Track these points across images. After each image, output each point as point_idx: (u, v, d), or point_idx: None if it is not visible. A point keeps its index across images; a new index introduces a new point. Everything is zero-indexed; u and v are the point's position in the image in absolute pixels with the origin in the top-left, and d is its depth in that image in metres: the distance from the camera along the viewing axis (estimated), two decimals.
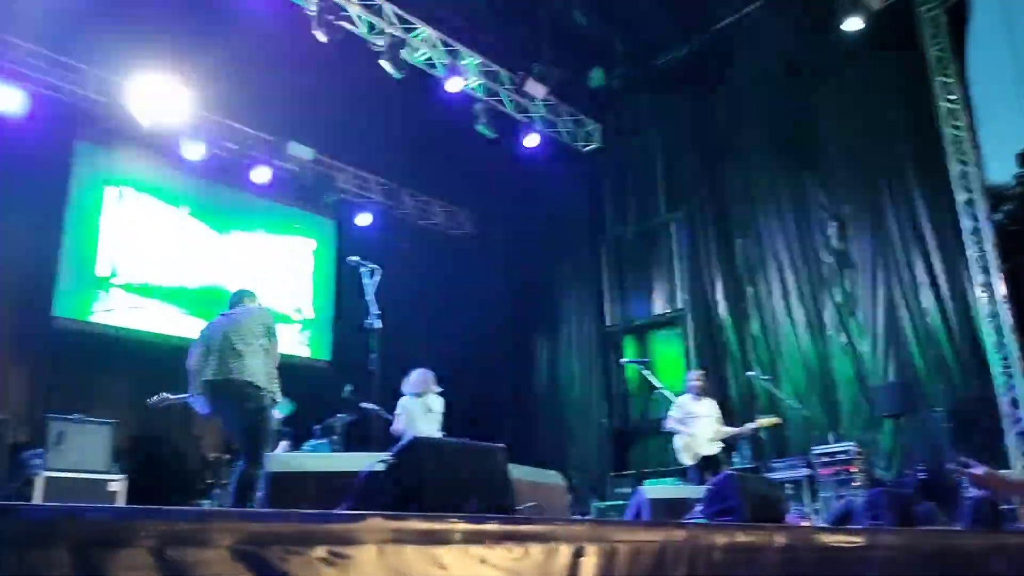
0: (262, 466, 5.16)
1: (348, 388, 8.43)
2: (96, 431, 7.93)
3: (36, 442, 8.12)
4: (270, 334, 5.69)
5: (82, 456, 7.63)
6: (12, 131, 9.11)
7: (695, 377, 8.22)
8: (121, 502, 7.55)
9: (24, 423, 9.40)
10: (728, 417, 9.24)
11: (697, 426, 7.84)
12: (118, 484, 7.73)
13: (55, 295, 9.66)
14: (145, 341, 10.41)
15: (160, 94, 9.72)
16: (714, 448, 7.82)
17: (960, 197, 9.17)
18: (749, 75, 11.10)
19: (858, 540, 4.82)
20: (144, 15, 9.14)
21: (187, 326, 10.82)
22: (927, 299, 9.40)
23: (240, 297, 6.05)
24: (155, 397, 6.78)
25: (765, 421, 8.10)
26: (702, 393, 8.05)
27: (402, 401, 7.40)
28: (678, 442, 7.90)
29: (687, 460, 7.83)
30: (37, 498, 7.25)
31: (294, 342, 12.09)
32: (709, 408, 7.99)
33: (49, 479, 7.26)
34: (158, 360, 10.81)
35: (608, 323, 12.36)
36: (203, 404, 5.61)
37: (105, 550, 1.67)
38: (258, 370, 5.48)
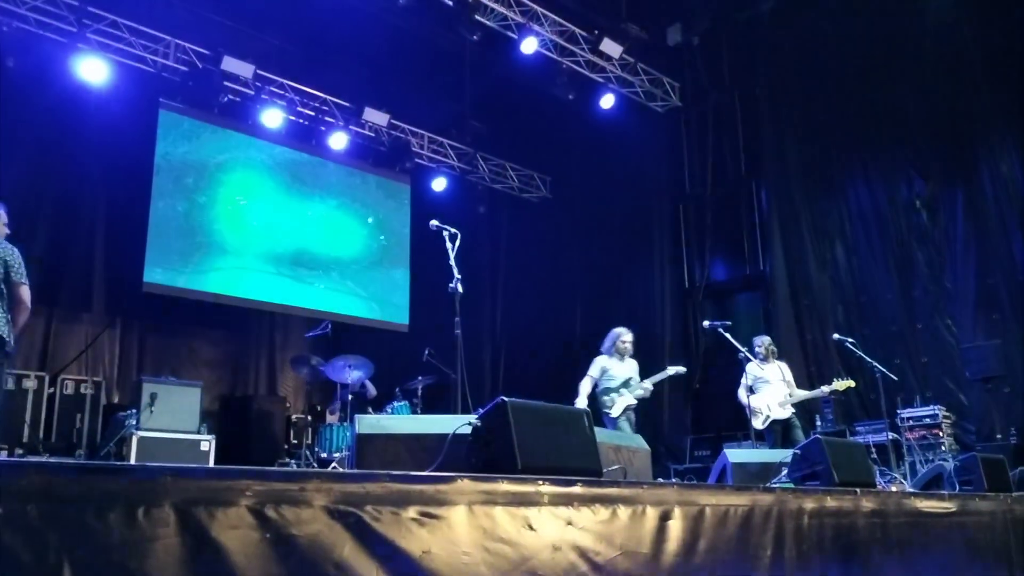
0: None
1: (428, 351, 8.53)
2: (186, 393, 8.18)
3: (130, 403, 8.44)
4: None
5: (174, 417, 7.87)
6: (98, 102, 9.37)
7: (760, 343, 8.15)
8: (211, 463, 7.78)
9: (117, 385, 9.82)
10: (812, 381, 9.09)
11: (767, 391, 7.86)
12: (208, 444, 7.97)
13: (146, 261, 9.94)
14: (230, 305, 10.69)
15: (238, 62, 9.86)
16: (786, 412, 7.81)
17: None
18: (831, 30, 10.68)
19: (950, 506, 4.68)
20: None
21: (270, 290, 11.09)
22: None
23: None
24: None
25: (839, 384, 7.91)
26: (770, 357, 8.05)
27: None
28: (749, 407, 7.84)
29: (758, 424, 7.82)
30: (132, 457, 7.53)
31: (373, 307, 12.27)
32: (778, 372, 7.97)
33: (143, 439, 7.50)
34: (243, 323, 11.17)
35: (688, 285, 12.17)
36: None
37: (208, 508, 1.71)
38: None
